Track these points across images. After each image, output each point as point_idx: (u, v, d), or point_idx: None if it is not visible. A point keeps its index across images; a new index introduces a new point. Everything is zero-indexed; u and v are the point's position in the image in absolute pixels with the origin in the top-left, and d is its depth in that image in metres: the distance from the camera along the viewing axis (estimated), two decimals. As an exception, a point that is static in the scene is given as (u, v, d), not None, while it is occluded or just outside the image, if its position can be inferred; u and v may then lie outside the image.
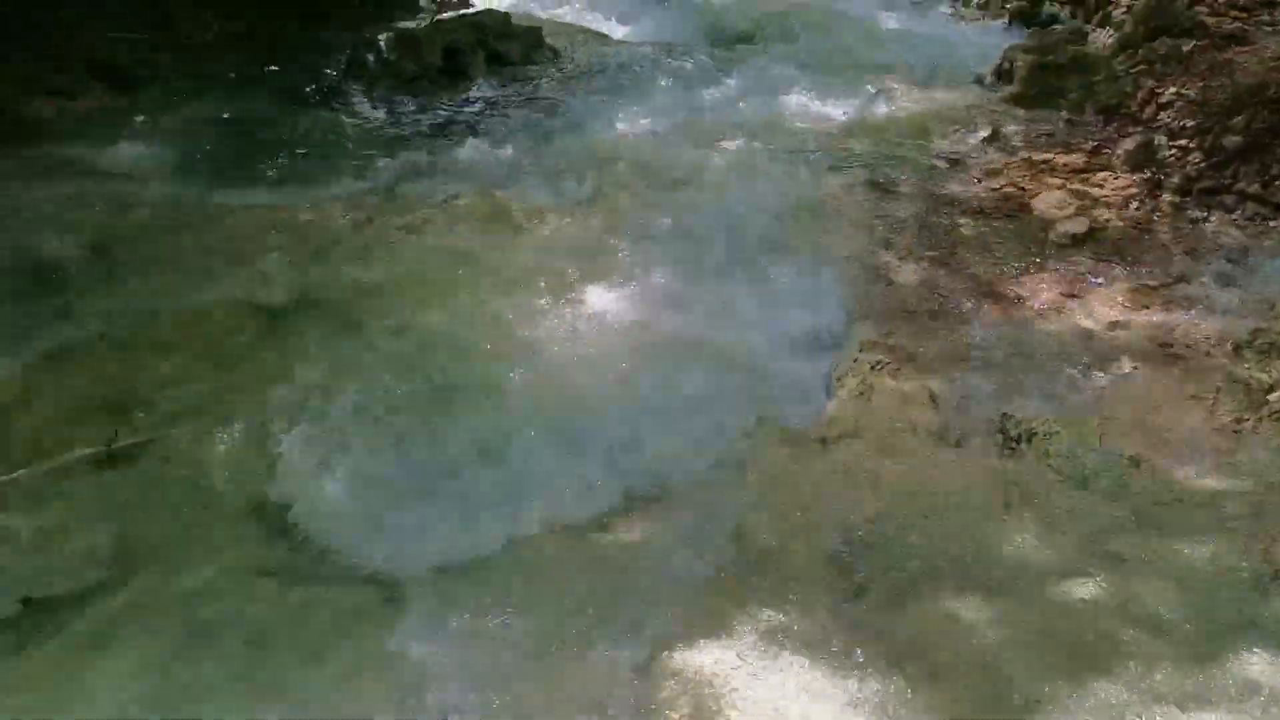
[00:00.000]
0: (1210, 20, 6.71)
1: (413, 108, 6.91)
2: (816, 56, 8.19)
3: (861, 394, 3.80)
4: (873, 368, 3.92)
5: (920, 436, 3.62)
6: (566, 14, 9.91)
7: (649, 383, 3.94)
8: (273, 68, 7.46)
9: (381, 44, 7.36)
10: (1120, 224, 5.04)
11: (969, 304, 4.54)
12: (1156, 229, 4.99)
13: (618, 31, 9.31)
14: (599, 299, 4.49)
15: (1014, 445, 3.55)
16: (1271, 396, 3.48)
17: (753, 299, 4.53)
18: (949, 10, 9.94)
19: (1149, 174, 5.49)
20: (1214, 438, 3.55)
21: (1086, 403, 3.75)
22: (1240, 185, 5.12)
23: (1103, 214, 5.14)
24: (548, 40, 8.24)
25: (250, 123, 6.56)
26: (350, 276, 4.64)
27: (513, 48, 7.65)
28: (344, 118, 6.77)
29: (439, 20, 7.74)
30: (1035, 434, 3.56)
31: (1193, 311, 4.34)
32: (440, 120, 6.73)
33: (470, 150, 6.23)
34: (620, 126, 6.56)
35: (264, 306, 4.46)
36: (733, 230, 5.20)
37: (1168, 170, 5.47)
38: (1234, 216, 4.99)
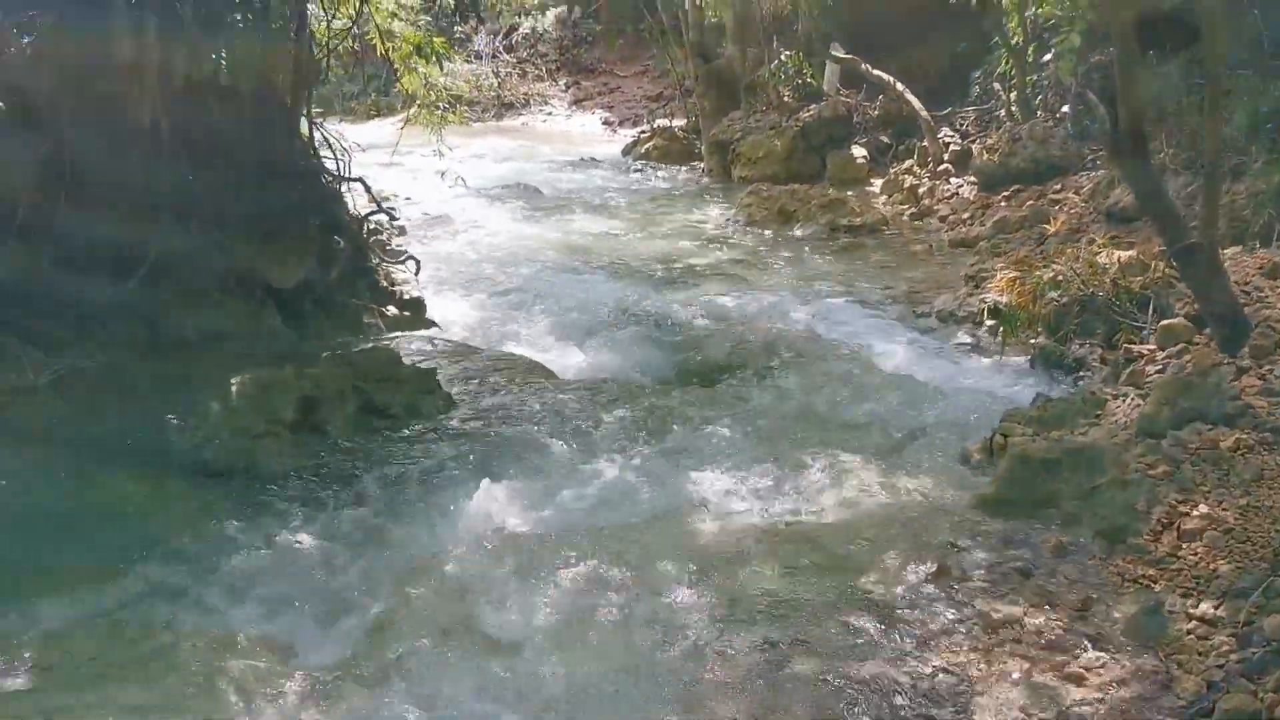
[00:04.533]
0: (1261, 403, 5.03)
1: (232, 481, 5.55)
2: (779, 407, 6.74)
3: None
4: None
5: None
6: (525, 338, 8.71)
7: None
8: (95, 427, 6.21)
9: (233, 391, 6.11)
10: (1096, 772, 3.24)
11: None
12: (1154, 787, 3.17)
13: (569, 362, 8.01)
14: None
15: None
16: None
17: None
18: (967, 339, 8.45)
19: (1155, 663, 3.71)
20: None
21: None
22: (1290, 711, 3.31)
23: (1074, 745, 3.35)
24: (459, 382, 6.97)
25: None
26: None
27: (394, 397, 6.33)
28: (138, 492, 5.43)
29: (306, 358, 6.49)
30: None
31: None
32: (248, 502, 5.33)
33: (256, 554, 4.82)
34: (465, 525, 5.07)
35: None
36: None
37: (1183, 659, 3.68)
38: (1279, 773, 3.16)
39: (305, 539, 4.96)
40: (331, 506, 5.29)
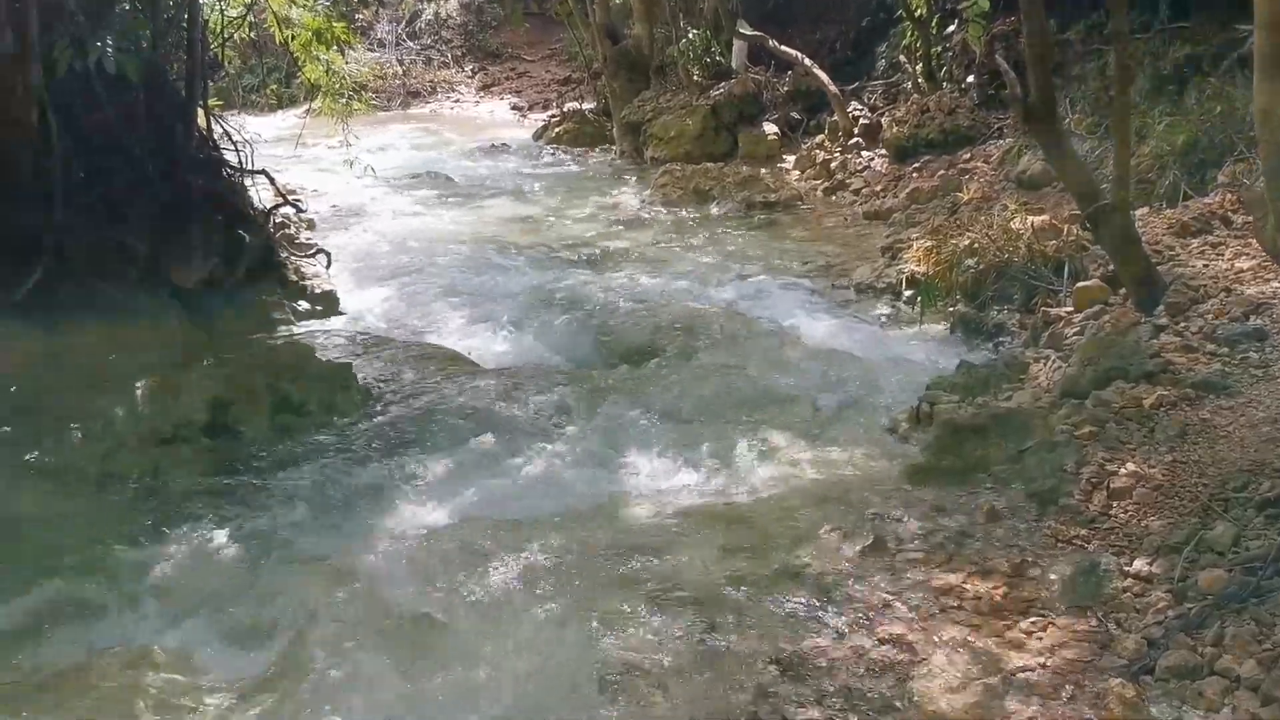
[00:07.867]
0: (1180, 360, 5.09)
1: (141, 489, 5.31)
2: (704, 387, 6.63)
3: None
4: None
5: None
6: (443, 328, 8.50)
7: None
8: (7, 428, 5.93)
9: (138, 395, 5.86)
10: (1043, 736, 3.22)
11: None
12: (1100, 748, 3.16)
13: (490, 351, 7.84)
14: None
15: None
16: None
17: None
18: (887, 310, 8.47)
19: (1094, 623, 3.71)
20: None
21: None
22: (1227, 662, 3.31)
23: (1020, 711, 3.32)
24: (377, 376, 6.77)
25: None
26: None
27: (310, 394, 6.12)
28: (44, 506, 5.17)
29: (215, 358, 6.25)
30: None
31: None
32: (160, 511, 5.09)
33: (170, 565, 4.61)
34: (389, 525, 4.91)
35: None
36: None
37: (1121, 618, 3.69)
38: (1221, 726, 3.16)
39: (222, 546, 4.75)
40: (249, 512, 5.08)
